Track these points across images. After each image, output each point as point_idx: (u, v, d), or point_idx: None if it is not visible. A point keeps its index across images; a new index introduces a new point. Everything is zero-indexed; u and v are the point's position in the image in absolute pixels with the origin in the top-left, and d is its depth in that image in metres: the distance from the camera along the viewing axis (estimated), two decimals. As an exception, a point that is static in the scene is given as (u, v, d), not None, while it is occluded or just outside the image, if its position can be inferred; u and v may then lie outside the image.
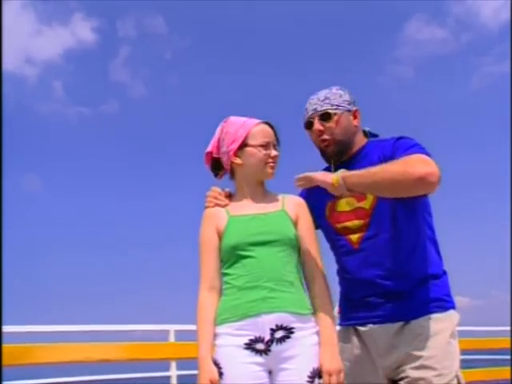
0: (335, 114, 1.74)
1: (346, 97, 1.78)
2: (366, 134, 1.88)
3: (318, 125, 1.75)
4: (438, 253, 1.77)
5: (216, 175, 1.81)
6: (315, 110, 1.76)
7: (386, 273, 1.68)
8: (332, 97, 1.76)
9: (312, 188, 1.82)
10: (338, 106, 1.75)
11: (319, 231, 1.85)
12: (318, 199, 1.80)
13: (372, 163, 1.67)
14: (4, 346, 2.55)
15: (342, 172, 1.59)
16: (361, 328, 1.71)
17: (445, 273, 1.76)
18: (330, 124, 1.74)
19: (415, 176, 1.47)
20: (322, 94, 1.78)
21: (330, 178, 1.59)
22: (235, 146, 1.71)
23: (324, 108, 1.75)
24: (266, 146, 1.69)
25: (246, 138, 1.70)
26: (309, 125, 1.79)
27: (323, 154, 1.80)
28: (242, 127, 1.72)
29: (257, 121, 1.75)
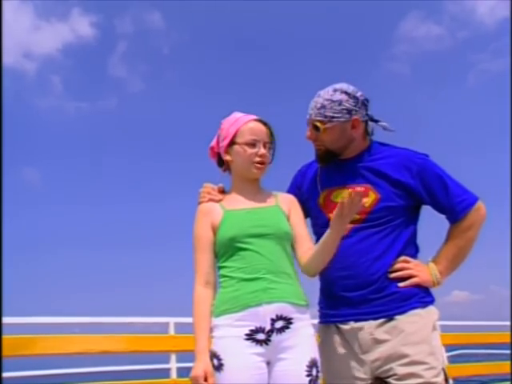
0: (325, 128, 1.73)
1: (348, 103, 1.72)
2: (368, 133, 1.85)
3: (308, 132, 1.79)
4: (416, 256, 1.79)
5: (222, 169, 1.84)
6: (310, 115, 1.77)
7: (370, 262, 1.68)
8: (329, 106, 1.72)
9: (303, 179, 1.90)
10: (332, 117, 1.72)
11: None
12: (310, 189, 1.85)
13: (382, 171, 1.73)
14: (4, 337, 2.56)
15: (438, 273, 1.75)
16: (342, 326, 1.71)
17: None
18: (320, 134, 1.76)
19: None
20: (323, 98, 1.74)
21: (431, 282, 1.74)
22: (225, 143, 1.73)
23: (317, 118, 1.74)
24: (253, 144, 1.69)
25: (234, 135, 1.71)
26: (307, 123, 1.81)
27: (315, 153, 1.85)
28: (234, 124, 1.73)
29: (249, 118, 1.74)
